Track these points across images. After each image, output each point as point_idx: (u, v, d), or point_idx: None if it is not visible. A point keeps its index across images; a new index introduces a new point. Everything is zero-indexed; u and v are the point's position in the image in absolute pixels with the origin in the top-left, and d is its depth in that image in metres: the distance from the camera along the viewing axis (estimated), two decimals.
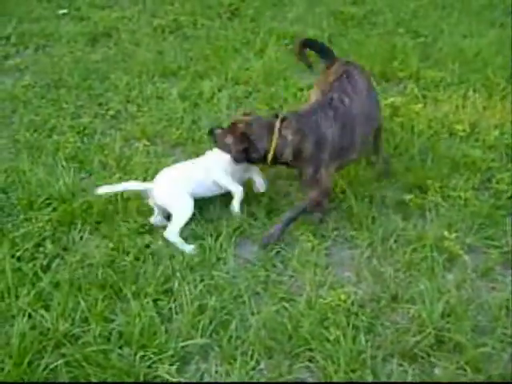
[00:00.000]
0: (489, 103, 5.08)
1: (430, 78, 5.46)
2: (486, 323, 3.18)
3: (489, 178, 4.24)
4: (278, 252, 3.67)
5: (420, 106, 4.98)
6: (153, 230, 3.80)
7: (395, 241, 3.70)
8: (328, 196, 3.89)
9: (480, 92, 5.22)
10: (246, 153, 3.78)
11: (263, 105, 5.14)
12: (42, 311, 3.18)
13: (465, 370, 2.91)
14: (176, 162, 4.27)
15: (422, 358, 3.00)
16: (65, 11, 7.37)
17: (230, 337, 3.09)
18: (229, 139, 3.82)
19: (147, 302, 3.23)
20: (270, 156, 3.76)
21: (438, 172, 4.21)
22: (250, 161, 3.85)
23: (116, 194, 3.95)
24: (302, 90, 5.34)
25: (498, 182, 4.16)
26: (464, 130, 4.66)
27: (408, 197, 4.02)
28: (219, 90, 5.42)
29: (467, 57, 5.92)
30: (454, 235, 3.70)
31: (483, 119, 4.84)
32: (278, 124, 3.75)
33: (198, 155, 4.41)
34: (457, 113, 4.90)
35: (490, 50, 6.09)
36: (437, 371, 2.96)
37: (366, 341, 3.04)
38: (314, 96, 4.17)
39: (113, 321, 3.17)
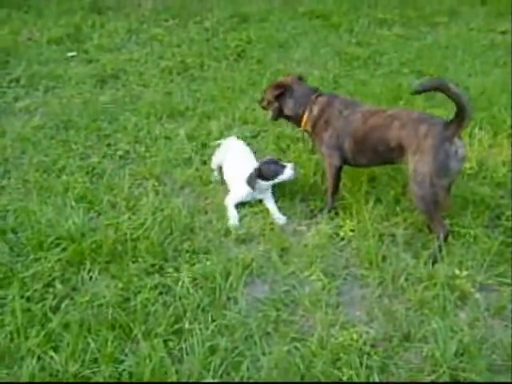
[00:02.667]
0: (495, 141, 5.10)
1: None
2: (501, 362, 3.15)
3: (498, 215, 4.23)
4: (288, 291, 3.65)
5: None
6: (162, 270, 3.78)
7: (406, 279, 3.68)
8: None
9: (486, 130, 5.25)
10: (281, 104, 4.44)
11: (271, 144, 5.17)
12: (52, 352, 3.15)
13: None
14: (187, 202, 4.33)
15: None
16: (73, 54, 7.48)
17: (242, 378, 3.06)
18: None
19: (157, 343, 3.20)
20: (304, 118, 4.36)
21: (448, 209, 4.20)
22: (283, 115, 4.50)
23: (125, 234, 3.97)
24: None
25: (507, 219, 4.15)
26: (472, 168, 4.67)
27: (418, 234, 4.01)
28: (227, 130, 5.47)
29: (472, 95, 5.95)
30: (464, 273, 3.68)
31: (490, 157, 4.86)
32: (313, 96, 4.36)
33: (207, 197, 4.48)
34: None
35: (495, 88, 6.14)
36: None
37: (380, 381, 3.00)
38: None
39: (123, 362, 3.14)
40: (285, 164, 4.38)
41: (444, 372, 3.03)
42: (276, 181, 4.38)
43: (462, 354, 3.14)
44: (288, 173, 4.34)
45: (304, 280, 3.72)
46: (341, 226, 4.16)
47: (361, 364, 3.07)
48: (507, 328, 3.37)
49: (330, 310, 3.47)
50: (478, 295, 3.58)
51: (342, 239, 4.07)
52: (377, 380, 3.00)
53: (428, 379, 3.01)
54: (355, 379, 2.98)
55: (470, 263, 3.79)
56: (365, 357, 3.13)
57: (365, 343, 3.22)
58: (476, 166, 4.71)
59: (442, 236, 3.81)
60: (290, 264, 3.86)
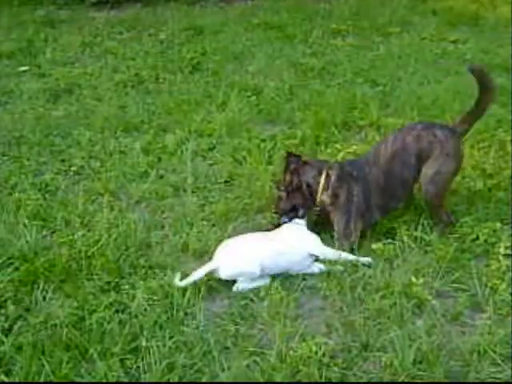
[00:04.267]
0: None
1: (390, 126, 5.54)
2: (459, 368, 3.16)
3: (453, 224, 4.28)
4: (246, 305, 3.62)
5: None
6: (118, 287, 3.72)
7: (363, 288, 3.68)
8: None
9: None
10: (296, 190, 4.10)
11: (228, 156, 5.15)
12: (3, 377, 3.06)
13: None
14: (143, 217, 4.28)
15: None
16: (25, 68, 7.36)
17: None
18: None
19: (114, 362, 3.14)
20: (318, 196, 4.09)
21: (407, 217, 4.25)
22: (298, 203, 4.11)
23: (79, 251, 3.90)
24: (264, 140, 5.38)
25: (461, 226, 4.20)
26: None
27: (376, 246, 4.03)
28: (183, 143, 5.43)
29: (425, 104, 6.06)
30: (421, 280, 3.70)
31: None
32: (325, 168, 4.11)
33: (163, 212, 4.41)
34: None
35: (447, 96, 6.24)
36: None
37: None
38: None
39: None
40: None
41: (403, 380, 3.03)
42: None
43: (420, 362, 3.14)
44: None
45: (262, 293, 3.69)
46: None
47: (320, 376, 3.06)
48: (464, 334, 3.39)
49: (289, 323, 3.45)
50: (434, 302, 3.59)
51: None
52: None
53: None
54: None
55: (426, 270, 3.81)
56: (324, 368, 3.11)
57: (324, 355, 3.19)
58: None
59: (452, 219, 4.19)
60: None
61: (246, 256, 3.77)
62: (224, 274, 3.73)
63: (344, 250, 3.93)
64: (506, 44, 8.28)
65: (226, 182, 4.87)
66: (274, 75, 7.00)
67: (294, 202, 4.12)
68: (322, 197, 4.10)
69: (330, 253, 3.90)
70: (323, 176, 4.09)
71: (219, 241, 4.06)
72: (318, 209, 4.16)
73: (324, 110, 5.78)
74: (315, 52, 7.87)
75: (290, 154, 4.21)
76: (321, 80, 6.90)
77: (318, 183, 4.09)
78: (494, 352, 3.17)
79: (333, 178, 4.07)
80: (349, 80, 6.86)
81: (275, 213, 4.24)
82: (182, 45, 8.05)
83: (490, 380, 3.07)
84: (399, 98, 6.29)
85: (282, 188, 4.17)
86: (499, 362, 3.13)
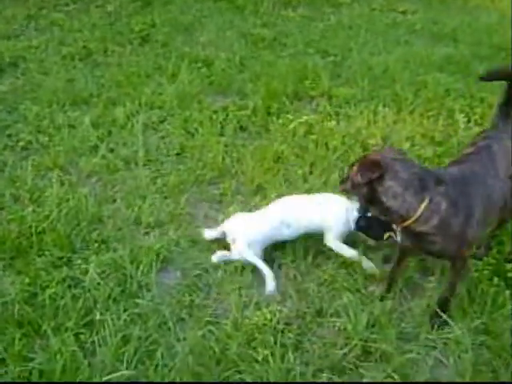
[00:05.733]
0: (398, 117, 5.24)
1: (341, 96, 5.57)
2: (410, 330, 3.25)
3: None
4: (201, 275, 3.62)
5: (333, 122, 5.07)
6: (70, 262, 3.67)
7: (317, 257, 3.73)
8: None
9: (390, 107, 5.38)
10: (372, 195, 3.05)
11: (179, 128, 5.10)
12: None
13: (393, 378, 2.94)
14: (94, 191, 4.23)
15: (351, 369, 3.03)
16: None
17: (157, 366, 3.01)
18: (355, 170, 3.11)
19: (68, 337, 3.11)
20: (412, 218, 3.01)
21: None
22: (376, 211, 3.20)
23: (30, 227, 3.82)
24: (216, 112, 5.33)
25: None
26: (377, 144, 4.78)
27: None
28: (133, 116, 5.34)
29: (376, 74, 6.10)
30: (374, 250, 3.77)
31: (394, 133, 4.99)
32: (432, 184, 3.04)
33: (114, 185, 4.35)
34: (369, 128, 5.02)
35: (397, 66, 6.29)
36: (366, 381, 2.98)
37: (295, 358, 3.04)
38: None
39: (32, 360, 3.02)
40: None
41: (356, 344, 3.09)
42: None
43: (373, 326, 3.22)
44: None
45: (217, 264, 3.69)
46: (255, 207, 4.14)
47: (275, 343, 3.09)
48: (415, 297, 3.47)
49: (244, 292, 3.47)
50: (386, 267, 3.66)
51: None
52: (291, 357, 3.01)
53: (341, 352, 3.06)
54: (270, 358, 2.99)
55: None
56: (279, 335, 3.15)
57: (279, 322, 3.23)
58: (381, 141, 4.82)
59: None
60: (202, 248, 3.83)
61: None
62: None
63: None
64: (453, 14, 8.40)
65: (177, 154, 4.83)
66: (224, 46, 6.93)
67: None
68: (417, 226, 3.05)
69: (343, 248, 3.71)
70: (424, 204, 3.01)
71: (172, 214, 4.04)
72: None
73: (275, 81, 5.76)
74: (266, 23, 7.81)
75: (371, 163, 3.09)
76: (272, 51, 6.86)
77: (413, 210, 3.01)
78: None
79: (443, 205, 3.03)
80: (300, 51, 6.84)
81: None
82: (131, 16, 7.87)
83: (440, 339, 3.17)
84: (350, 68, 6.32)
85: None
86: (449, 322, 3.21)
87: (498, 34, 7.64)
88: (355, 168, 3.11)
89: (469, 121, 5.24)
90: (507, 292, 3.42)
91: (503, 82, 3.60)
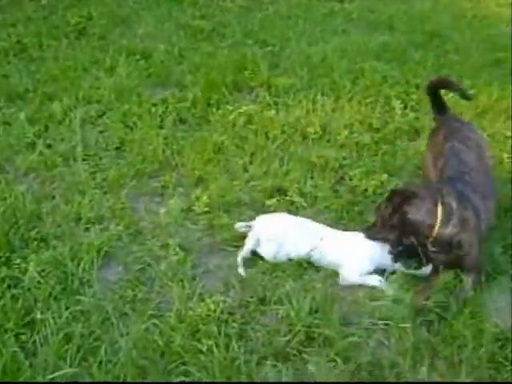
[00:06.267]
0: (337, 105, 5.30)
1: (280, 85, 5.60)
2: (352, 314, 3.30)
3: (342, 176, 4.41)
4: (143, 269, 3.60)
5: (272, 112, 5.10)
6: (9, 262, 3.59)
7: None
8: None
9: (328, 95, 5.43)
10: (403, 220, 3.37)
11: (118, 122, 5.03)
12: None
13: (335, 362, 2.99)
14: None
15: (295, 355, 3.06)
16: None
17: (100, 362, 2.98)
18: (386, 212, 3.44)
19: (8, 338, 3.04)
20: (434, 232, 3.33)
21: (296, 174, 4.33)
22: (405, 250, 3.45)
23: None
24: (155, 105, 5.29)
25: (351, 179, 4.34)
26: (316, 132, 4.84)
27: (270, 202, 4.10)
28: (71, 111, 5.24)
29: (314, 63, 6.15)
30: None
31: (333, 120, 5.05)
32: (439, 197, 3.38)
33: (53, 182, 4.27)
34: (308, 116, 5.07)
35: (335, 55, 6.35)
36: (310, 367, 3.02)
37: (239, 347, 3.05)
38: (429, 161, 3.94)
39: None
40: None
41: (299, 330, 3.12)
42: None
43: (316, 312, 3.25)
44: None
45: (159, 257, 3.68)
46: (196, 198, 4.14)
47: (219, 333, 3.10)
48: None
49: (187, 284, 3.46)
50: None
51: (196, 213, 4.05)
52: (235, 347, 3.03)
53: (284, 339, 3.09)
54: (214, 348, 3.00)
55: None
56: (223, 325, 3.16)
57: (222, 312, 3.24)
58: (320, 130, 4.88)
59: None
60: (144, 242, 3.80)
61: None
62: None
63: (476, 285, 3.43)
64: (389, 2, 8.53)
65: (117, 148, 4.77)
66: (163, 38, 6.86)
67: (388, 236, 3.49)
68: (444, 230, 3.35)
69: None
70: (439, 207, 3.35)
71: (112, 209, 4.00)
72: (433, 248, 3.41)
73: (214, 72, 5.75)
74: (204, 14, 7.77)
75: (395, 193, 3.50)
76: (211, 42, 6.84)
77: (435, 215, 3.34)
78: (387, 296, 3.34)
79: (454, 204, 3.37)
80: (239, 41, 6.83)
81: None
82: (66, 9, 7.69)
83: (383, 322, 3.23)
84: (289, 57, 6.36)
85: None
86: (390, 304, 3.29)
87: (432, 21, 7.82)
88: (383, 206, 3.48)
89: (405, 107, 5.35)
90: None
91: None
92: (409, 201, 3.36)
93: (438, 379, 2.93)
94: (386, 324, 3.21)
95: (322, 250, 3.60)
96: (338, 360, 2.99)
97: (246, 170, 4.39)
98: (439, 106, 4.09)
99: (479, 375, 2.92)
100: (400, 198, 3.39)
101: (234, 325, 3.19)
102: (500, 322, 3.22)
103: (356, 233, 3.71)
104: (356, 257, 3.58)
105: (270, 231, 3.65)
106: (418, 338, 3.11)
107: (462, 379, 2.89)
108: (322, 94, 5.42)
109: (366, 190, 4.24)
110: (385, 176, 4.33)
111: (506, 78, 5.98)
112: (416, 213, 3.34)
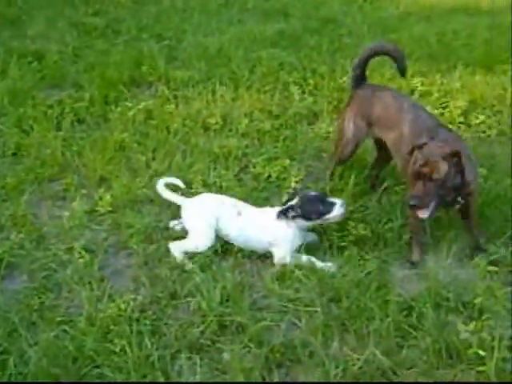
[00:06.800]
0: (236, 94, 5.34)
1: (178, 78, 5.59)
2: (262, 299, 3.34)
3: (246, 164, 4.45)
4: (49, 275, 3.51)
5: (172, 106, 5.09)
6: None
7: (159, 240, 3.73)
8: None
9: (227, 85, 5.48)
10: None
11: (13, 127, 4.86)
12: None
13: (249, 347, 3.02)
14: None
15: (209, 346, 3.06)
16: None
17: (10, 375, 2.88)
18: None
19: None
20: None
21: (199, 166, 4.33)
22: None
23: None
24: (51, 107, 5.15)
25: (254, 166, 4.39)
26: (217, 123, 4.87)
27: None
28: None
29: (211, 54, 6.18)
30: None
31: (233, 110, 5.09)
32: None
33: None
34: (208, 108, 5.09)
35: (232, 45, 6.41)
36: (225, 355, 3.03)
37: (152, 344, 3.02)
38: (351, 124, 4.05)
39: None
40: (333, 201, 3.63)
41: (212, 320, 3.13)
42: (319, 221, 3.66)
43: (227, 300, 3.27)
44: (338, 211, 3.60)
45: (65, 261, 3.59)
46: (100, 199, 4.07)
47: (131, 332, 3.06)
48: (266, 267, 3.58)
49: (96, 285, 3.40)
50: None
51: (100, 213, 3.99)
52: (148, 344, 3.01)
53: (198, 331, 3.09)
54: (127, 348, 2.96)
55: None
56: (135, 323, 3.12)
57: (134, 310, 3.20)
58: (221, 120, 4.90)
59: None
60: (48, 248, 3.70)
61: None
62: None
63: None
64: None
65: (13, 153, 4.63)
66: (56, 38, 6.71)
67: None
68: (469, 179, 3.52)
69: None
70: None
71: (13, 217, 3.87)
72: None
73: (111, 69, 5.67)
74: (97, 11, 7.67)
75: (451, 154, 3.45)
76: (105, 39, 6.75)
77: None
78: (290, 279, 3.40)
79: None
80: (134, 36, 6.78)
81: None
82: None
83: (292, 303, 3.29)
84: (186, 50, 6.35)
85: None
86: (297, 285, 3.36)
87: (326, 7, 8.02)
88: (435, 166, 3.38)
89: (303, 92, 5.47)
90: (354, 248, 3.63)
91: None
92: (460, 159, 3.41)
93: (349, 353, 3.02)
94: (297, 304, 3.27)
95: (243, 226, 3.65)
96: (252, 345, 3.02)
97: (148, 166, 4.35)
98: (363, 76, 4.17)
99: (387, 344, 3.03)
100: (456, 157, 3.40)
101: (147, 322, 3.16)
102: (404, 292, 3.35)
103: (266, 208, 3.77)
104: (286, 235, 3.61)
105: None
106: (328, 315, 3.19)
107: (371, 350, 2.99)
108: (221, 85, 5.45)
109: (269, 176, 4.31)
110: (287, 161, 4.41)
111: None
112: (468, 170, 3.46)
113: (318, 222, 3.64)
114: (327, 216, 3.59)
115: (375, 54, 4.21)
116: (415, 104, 4.03)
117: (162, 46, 6.43)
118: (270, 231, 3.63)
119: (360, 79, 4.16)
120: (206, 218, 3.64)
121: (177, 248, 3.62)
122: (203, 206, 3.71)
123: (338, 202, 3.59)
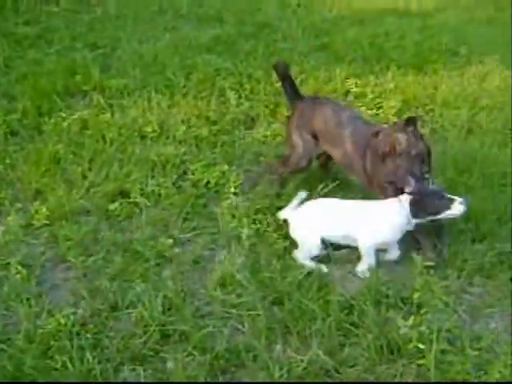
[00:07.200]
0: (173, 102, 5.32)
1: (113, 87, 5.52)
2: (205, 306, 3.34)
3: (185, 171, 4.44)
4: None
5: (108, 115, 5.02)
6: None
7: (107, 251, 3.68)
8: None
9: (163, 93, 5.44)
10: None
11: None
12: None
13: (193, 355, 3.01)
14: None
15: (152, 356, 3.03)
16: None
17: None
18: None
19: None
20: None
21: (137, 175, 4.28)
22: None
23: None
24: None
25: (193, 173, 4.38)
26: (154, 131, 4.83)
27: (113, 206, 4.03)
28: None
29: (147, 61, 6.13)
30: (162, 232, 3.83)
31: (170, 117, 5.06)
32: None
33: None
34: (144, 116, 5.04)
35: (167, 52, 6.37)
36: (169, 364, 3.01)
37: (94, 357, 2.97)
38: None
39: None
40: (453, 197, 3.51)
41: (154, 330, 3.10)
42: (439, 217, 3.56)
43: (169, 309, 3.25)
44: (458, 208, 3.49)
45: (1, 277, 3.49)
46: (35, 212, 3.97)
47: (72, 346, 3.00)
48: (204, 275, 3.57)
49: (34, 301, 3.31)
50: (176, 250, 3.73)
51: (37, 227, 3.90)
52: (90, 358, 2.96)
53: (140, 341, 3.06)
54: (68, 363, 2.90)
55: (166, 221, 3.94)
56: (75, 338, 3.06)
57: (74, 325, 3.13)
58: (158, 128, 4.87)
59: None
60: None
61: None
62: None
63: None
64: None
65: None
66: None
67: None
68: None
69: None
70: None
71: None
72: None
73: (43, 80, 5.55)
74: (28, 20, 7.46)
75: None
76: (38, 49, 6.58)
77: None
78: (231, 284, 3.41)
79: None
80: (67, 46, 6.64)
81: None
82: None
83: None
84: (120, 58, 6.27)
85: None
86: (239, 290, 3.36)
87: (260, 12, 8.06)
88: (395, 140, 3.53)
89: (240, 97, 5.49)
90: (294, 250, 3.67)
91: None
92: (415, 126, 3.54)
93: (293, 354, 3.04)
94: (239, 309, 3.28)
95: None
96: (195, 353, 3.01)
97: (85, 177, 4.27)
98: (294, 88, 4.21)
99: (330, 344, 3.06)
100: (411, 126, 3.53)
101: (88, 335, 3.10)
102: (344, 291, 3.40)
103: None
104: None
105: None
106: (271, 318, 3.20)
107: (314, 350, 3.02)
108: (157, 92, 5.42)
109: (208, 182, 4.31)
110: (226, 166, 4.42)
111: (331, 61, 6.31)
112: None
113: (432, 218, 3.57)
114: (444, 213, 3.51)
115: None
116: (352, 115, 4.07)
117: (96, 55, 6.32)
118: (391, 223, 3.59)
119: (293, 91, 4.19)
120: (310, 226, 3.64)
121: (300, 257, 3.63)
122: (307, 215, 3.69)
123: (458, 199, 3.50)
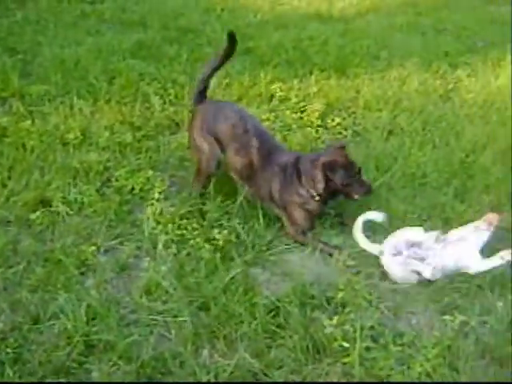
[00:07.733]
0: (96, 107, 5.22)
1: (34, 94, 5.37)
2: (130, 314, 3.29)
3: (108, 178, 4.37)
4: None
5: (28, 122, 4.86)
6: None
7: (28, 262, 3.58)
8: None
9: (85, 98, 5.33)
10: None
11: None
12: None
13: (118, 365, 2.96)
14: None
15: (76, 368, 2.97)
16: None
17: None
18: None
19: None
20: None
21: (59, 183, 4.19)
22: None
23: None
24: None
25: (117, 180, 4.31)
26: (76, 138, 4.72)
27: (34, 215, 3.92)
28: None
29: (68, 67, 5.98)
30: (85, 240, 3.76)
31: (93, 123, 4.96)
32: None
33: None
34: (66, 122, 4.92)
35: (89, 57, 6.24)
36: (94, 375, 2.96)
37: (14, 372, 2.88)
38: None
39: None
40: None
41: (78, 341, 3.04)
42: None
43: (93, 319, 3.19)
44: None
45: None
46: None
47: None
48: (129, 283, 3.52)
49: None
50: (101, 259, 3.67)
51: None
52: (10, 373, 2.87)
53: (63, 353, 2.99)
54: None
55: (89, 231, 3.87)
56: None
57: None
58: (80, 134, 4.76)
59: None
60: None
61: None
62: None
63: None
64: (141, 1, 8.59)
65: None
66: None
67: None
68: None
69: None
70: None
71: None
72: None
73: None
74: None
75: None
76: None
77: None
78: (157, 291, 3.39)
79: None
80: None
81: None
82: None
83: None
84: (41, 64, 6.10)
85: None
86: (165, 297, 3.34)
87: (185, 17, 8.03)
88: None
89: (164, 102, 5.45)
90: (218, 255, 3.66)
91: None
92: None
93: (220, 359, 3.04)
94: (165, 316, 3.26)
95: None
96: (121, 362, 2.97)
97: (4, 186, 4.13)
98: (205, 92, 4.27)
99: (256, 346, 3.08)
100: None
101: (8, 350, 3.00)
102: (270, 294, 3.42)
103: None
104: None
105: None
106: (197, 324, 3.20)
107: (241, 354, 3.03)
108: (79, 98, 5.30)
109: (133, 188, 4.25)
110: (150, 172, 4.37)
111: (255, 65, 6.35)
112: None
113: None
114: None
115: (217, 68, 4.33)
116: (256, 125, 4.17)
117: (16, 60, 6.12)
118: None
119: (202, 95, 4.25)
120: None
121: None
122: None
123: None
